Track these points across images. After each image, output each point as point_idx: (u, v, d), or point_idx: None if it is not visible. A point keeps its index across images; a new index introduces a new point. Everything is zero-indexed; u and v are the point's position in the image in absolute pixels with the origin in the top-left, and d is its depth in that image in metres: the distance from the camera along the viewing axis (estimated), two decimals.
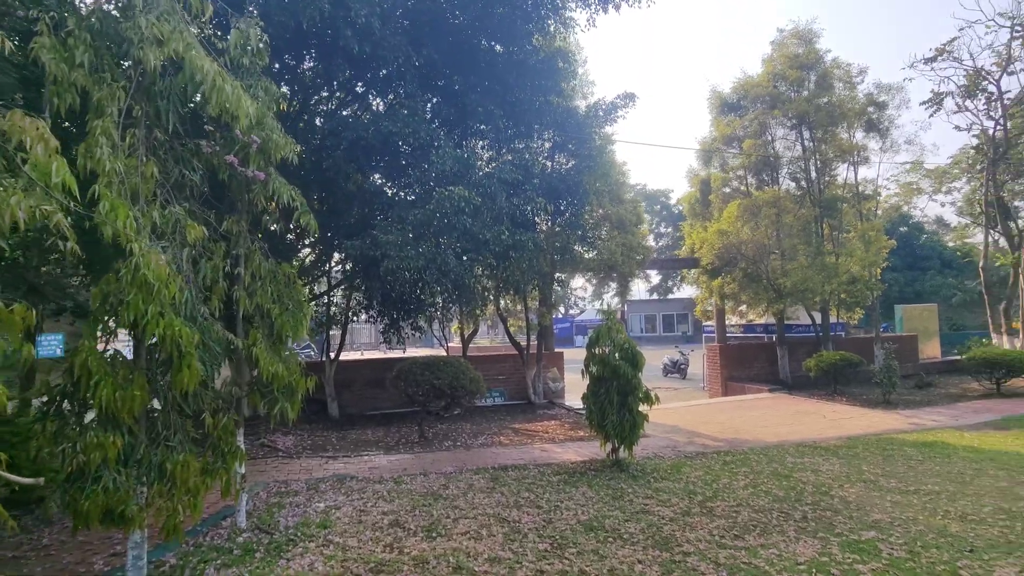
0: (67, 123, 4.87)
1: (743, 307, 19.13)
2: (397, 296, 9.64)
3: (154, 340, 3.69)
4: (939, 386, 15.64)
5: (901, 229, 33.44)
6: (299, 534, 5.36)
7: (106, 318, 3.75)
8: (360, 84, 10.31)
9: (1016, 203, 21.54)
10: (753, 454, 8.68)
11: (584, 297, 51.46)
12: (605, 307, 9.21)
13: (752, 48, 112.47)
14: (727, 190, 18.46)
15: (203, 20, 4.43)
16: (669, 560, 4.73)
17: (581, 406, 12.08)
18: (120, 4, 4.35)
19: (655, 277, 50.32)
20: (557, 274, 14.15)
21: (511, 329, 14.95)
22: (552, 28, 10.28)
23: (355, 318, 12.93)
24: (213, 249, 4.67)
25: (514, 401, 14.33)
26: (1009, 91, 18.33)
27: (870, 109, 17.30)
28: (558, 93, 11.65)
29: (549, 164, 12.69)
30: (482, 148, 11.57)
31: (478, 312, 14.26)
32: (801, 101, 16.44)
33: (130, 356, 4.01)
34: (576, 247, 13.55)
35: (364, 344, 41.58)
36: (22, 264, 6.12)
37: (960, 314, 32.30)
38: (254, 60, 5.42)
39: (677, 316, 52.83)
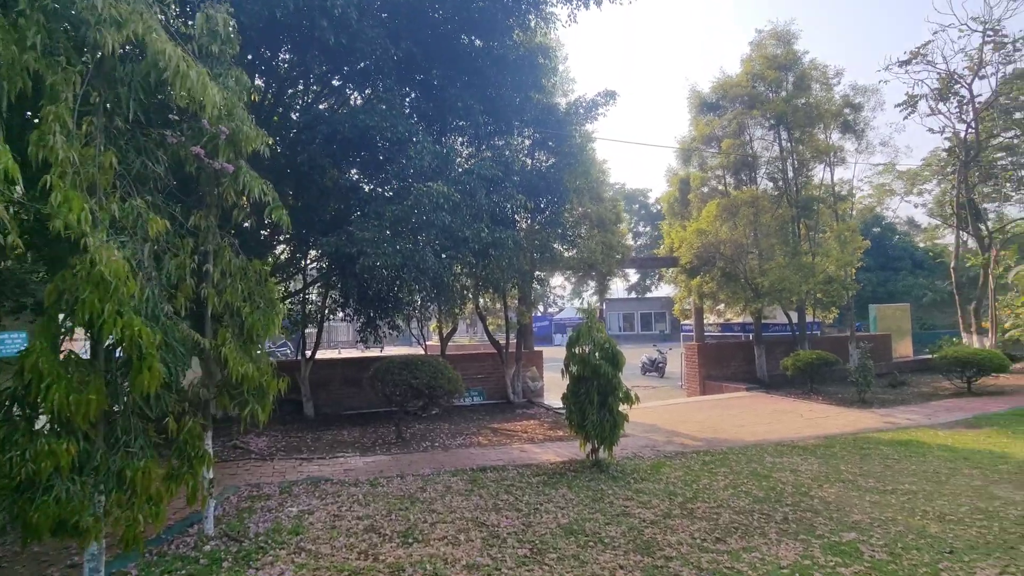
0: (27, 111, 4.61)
1: (721, 306, 19.25)
2: (374, 294, 9.44)
3: (111, 340, 3.48)
4: (912, 385, 15.89)
5: (874, 230, 34.04)
6: (270, 541, 5.16)
7: (61, 317, 3.53)
8: (337, 78, 10.07)
9: (985, 205, 22.04)
10: (732, 454, 8.67)
11: (563, 296, 51.58)
12: (585, 306, 9.12)
13: (732, 48, 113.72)
14: (705, 189, 18.54)
15: (166, 2, 4.20)
16: (651, 565, 4.64)
17: (560, 405, 11.99)
18: None
19: (633, 276, 50.57)
20: (537, 272, 14.04)
21: (490, 328, 14.81)
22: (533, 23, 10.16)
23: (331, 316, 12.68)
24: (179, 245, 4.46)
25: (493, 400, 14.19)
26: (980, 95, 18.73)
27: (846, 111, 17.50)
28: (539, 89, 11.53)
29: (529, 161, 12.57)
30: (461, 144, 11.40)
31: (457, 311, 14.09)
32: (779, 101, 16.55)
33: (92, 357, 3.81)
34: (556, 245, 13.46)
35: (342, 343, 41.05)
36: None
37: (930, 314, 33.00)
38: (223, 48, 5.19)
39: (655, 315, 53.20)
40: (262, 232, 10.33)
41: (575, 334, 7.94)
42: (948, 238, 34.35)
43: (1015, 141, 21.13)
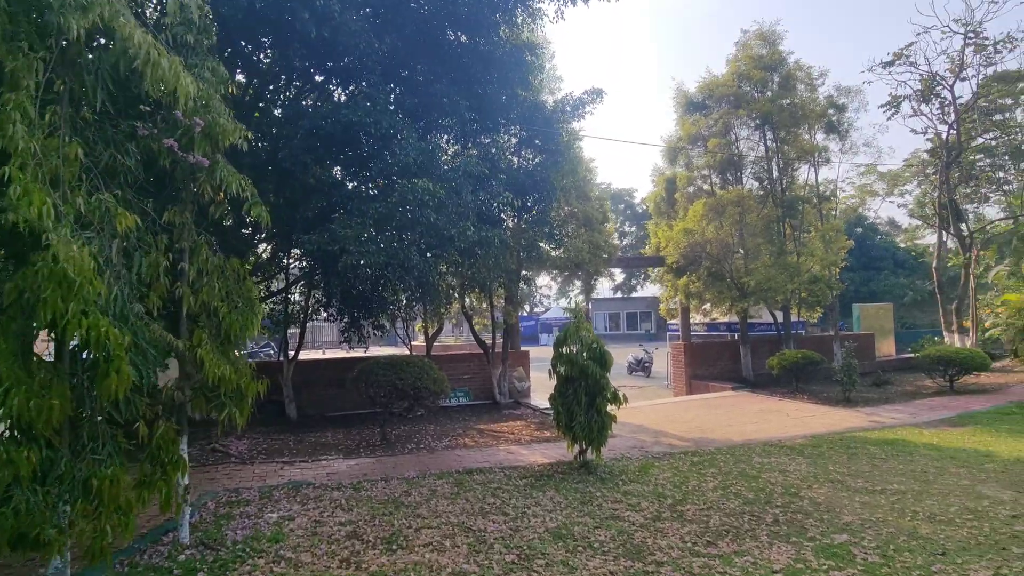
0: None
1: (707, 305, 19.27)
2: (358, 293, 9.25)
3: (77, 342, 3.29)
4: (895, 384, 15.99)
5: (857, 230, 34.43)
6: (248, 549, 4.97)
7: (21, 317, 3.33)
8: (319, 73, 9.85)
9: (965, 206, 22.32)
10: (720, 454, 8.61)
11: (549, 295, 51.55)
12: (573, 305, 9.02)
13: (718, 48, 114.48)
14: (692, 189, 18.54)
15: None
16: (642, 571, 4.53)
17: (547, 406, 11.88)
18: None
19: (619, 275, 50.68)
20: (523, 272, 13.92)
21: (476, 328, 14.65)
22: (520, 19, 10.03)
23: (314, 316, 12.45)
24: (151, 242, 4.26)
25: (479, 401, 14.05)
26: (961, 96, 18.92)
27: (830, 111, 17.60)
28: (526, 87, 11.40)
29: (516, 160, 12.44)
30: (447, 142, 11.23)
31: (442, 310, 13.92)
32: (765, 101, 16.58)
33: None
34: (543, 244, 13.35)
35: (326, 343, 40.62)
36: None
37: (911, 313, 33.44)
38: (199, 38, 5.00)
39: (640, 314, 53.37)
40: (243, 231, 10.10)
41: (563, 334, 7.83)
42: (928, 238, 34.88)
43: (993, 143, 21.46)
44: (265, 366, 13.42)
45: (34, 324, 3.50)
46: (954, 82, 18.19)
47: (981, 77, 18.20)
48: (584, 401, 7.40)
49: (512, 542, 5.12)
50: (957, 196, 19.98)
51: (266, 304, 12.19)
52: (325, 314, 11.90)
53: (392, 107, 9.13)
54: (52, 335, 3.45)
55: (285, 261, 11.66)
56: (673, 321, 24.49)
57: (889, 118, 19.75)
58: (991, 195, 24.54)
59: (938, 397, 13.68)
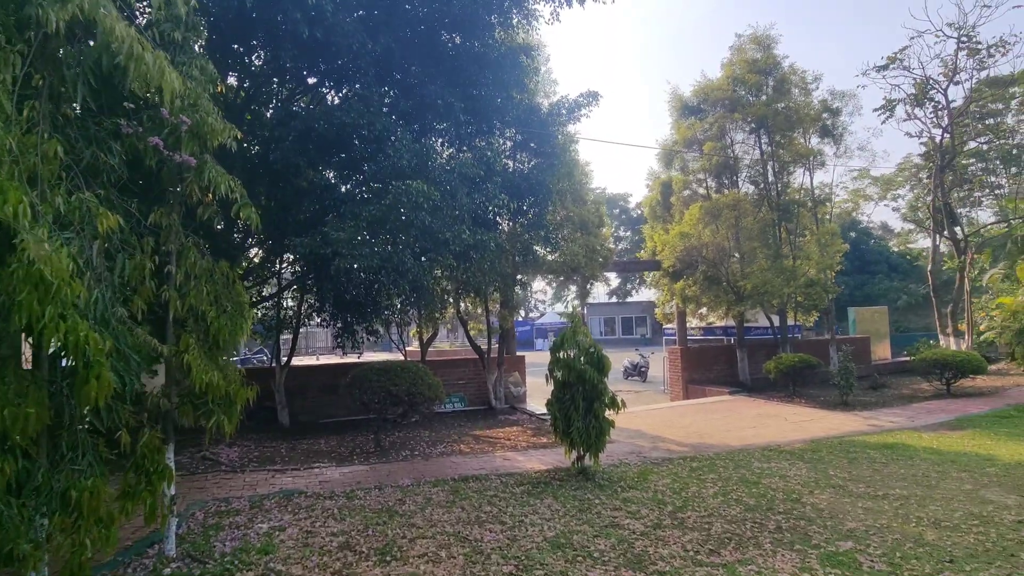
0: None
1: (703, 310, 19.20)
2: (351, 298, 9.10)
3: (54, 348, 3.15)
4: (892, 387, 15.94)
5: (851, 234, 34.45)
6: (236, 562, 4.81)
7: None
8: (312, 76, 9.74)
9: (959, 210, 22.39)
10: (719, 459, 8.50)
11: (544, 300, 51.49)
12: (570, 309, 8.91)
13: (712, 52, 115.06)
14: (687, 193, 18.49)
15: None
16: None
17: (543, 411, 11.74)
18: None
19: (614, 280, 50.71)
20: (519, 276, 13.80)
21: (471, 332, 14.52)
22: (515, 21, 9.93)
23: (308, 322, 12.29)
24: (136, 244, 4.12)
25: (475, 407, 13.90)
26: (955, 100, 18.97)
27: (825, 115, 17.61)
28: (521, 89, 11.31)
29: (511, 163, 12.33)
30: (442, 146, 11.12)
31: (437, 315, 13.78)
32: (760, 105, 16.56)
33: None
34: (538, 248, 13.23)
35: (320, 348, 40.39)
36: None
37: (905, 316, 33.48)
38: (187, 35, 4.88)
39: (636, 319, 53.34)
40: (235, 235, 9.94)
41: (559, 338, 7.71)
42: (921, 242, 35.01)
43: (984, 147, 21.55)
44: (258, 372, 13.25)
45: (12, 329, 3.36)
46: (948, 86, 18.25)
47: (974, 81, 18.25)
48: (582, 406, 7.28)
49: (510, 552, 4.98)
50: (951, 200, 20.01)
51: (258, 309, 12.03)
52: (318, 319, 11.73)
53: (386, 109, 9.02)
54: (28, 340, 3.30)
55: (278, 265, 11.50)
56: (669, 325, 24.40)
57: (883, 122, 19.81)
58: (984, 199, 24.66)
59: (935, 400, 13.62)
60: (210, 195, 4.96)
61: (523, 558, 4.85)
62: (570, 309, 10.36)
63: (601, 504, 6.34)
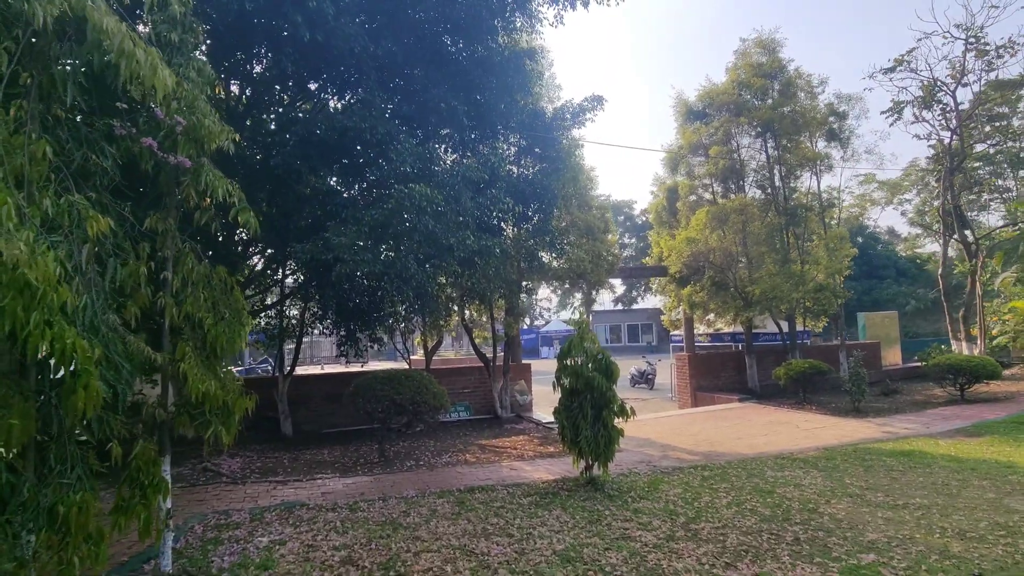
0: None
1: (711, 316, 18.99)
2: (354, 305, 8.96)
3: (41, 355, 3.01)
4: (904, 393, 15.68)
5: (858, 239, 34.22)
6: None
7: None
8: (314, 80, 9.65)
9: (969, 213, 22.15)
10: (731, 468, 8.29)
11: (549, 308, 51.33)
12: (576, 316, 8.74)
13: (717, 56, 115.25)
14: (693, 198, 18.35)
15: None
16: None
17: (550, 420, 11.56)
18: None
19: (619, 287, 50.49)
20: (524, 282, 13.65)
21: (476, 340, 14.36)
22: (519, 24, 9.84)
23: (311, 330, 12.15)
24: (129, 248, 3.99)
25: (480, 416, 13.71)
26: (963, 102, 18.79)
27: (831, 119, 17.47)
28: (525, 94, 11.20)
29: (515, 169, 12.20)
30: (445, 151, 11.02)
31: (442, 323, 13.64)
32: (765, 109, 16.43)
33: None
34: (543, 254, 13.09)
35: (324, 358, 40.26)
36: None
37: (914, 322, 33.14)
38: (184, 36, 4.77)
39: (642, 326, 53.07)
40: (236, 242, 9.84)
41: (567, 345, 7.54)
42: (929, 247, 34.73)
43: (991, 151, 21.34)
44: (260, 381, 13.12)
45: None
46: (956, 88, 18.09)
47: (983, 82, 18.07)
48: (590, 414, 7.10)
49: (518, 567, 4.80)
50: (961, 203, 19.78)
51: (261, 318, 11.91)
52: (321, 327, 11.59)
53: (388, 114, 8.91)
54: (13, 348, 3.16)
55: (280, 273, 11.39)
56: (676, 332, 24.18)
57: (891, 124, 19.63)
58: (992, 202, 24.43)
59: (950, 406, 13.36)
60: (207, 199, 4.84)
61: (532, 572, 4.67)
62: (577, 316, 10.15)
63: (611, 515, 6.15)
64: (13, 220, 2.89)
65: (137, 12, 5.77)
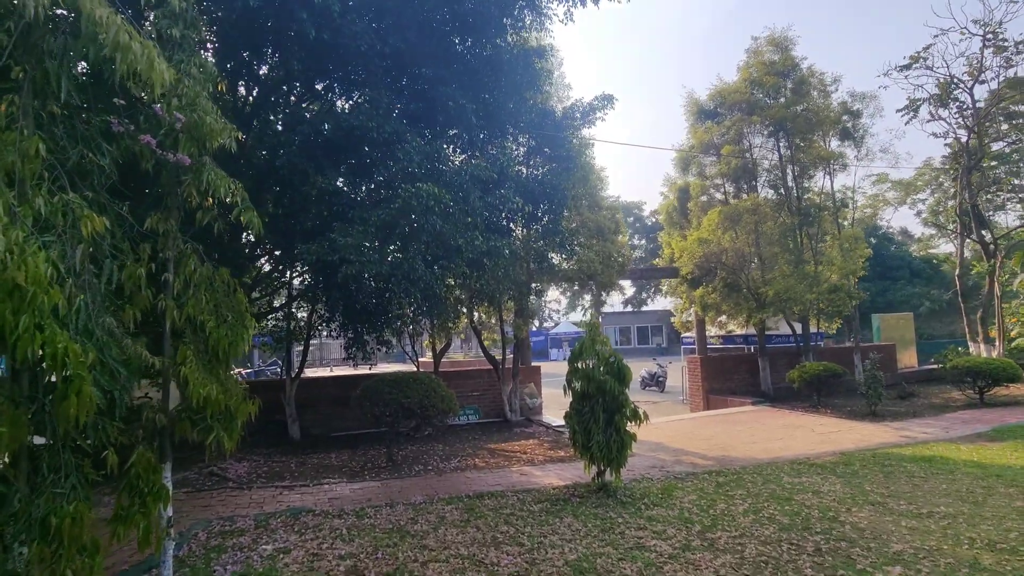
0: None
1: (723, 317, 18.73)
2: (361, 307, 8.82)
3: (32, 360, 2.88)
4: (921, 396, 15.36)
5: (871, 240, 33.75)
6: None
7: None
8: (320, 80, 9.54)
9: (985, 212, 21.73)
10: (747, 473, 8.08)
11: (558, 309, 51.08)
12: (587, 318, 8.58)
13: (725, 55, 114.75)
14: (705, 198, 18.12)
15: None
16: None
17: (560, 423, 11.38)
18: None
19: (629, 289, 50.21)
20: (534, 284, 13.48)
21: (485, 343, 14.21)
22: (528, 22, 9.68)
23: (319, 332, 12.05)
24: (127, 249, 3.87)
25: (489, 419, 13.56)
26: (980, 100, 18.43)
27: (845, 117, 17.18)
28: (535, 92, 11.04)
29: (524, 170, 12.05)
30: (454, 152, 10.89)
31: (450, 325, 13.49)
32: (778, 108, 16.18)
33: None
34: (553, 255, 12.92)
35: (334, 360, 40.26)
36: None
37: (928, 323, 32.62)
38: (186, 32, 4.65)
39: (652, 328, 52.75)
40: (244, 246, 9.75)
41: (577, 348, 7.38)
42: (943, 247, 34.23)
43: (1007, 150, 20.94)
44: (268, 385, 13.04)
45: None
46: (973, 85, 17.74)
47: (1001, 79, 17.70)
48: (602, 419, 6.93)
49: None
50: (979, 202, 19.41)
51: (268, 320, 11.82)
52: (328, 330, 11.49)
53: (396, 113, 8.79)
54: (3, 353, 3.04)
55: (288, 275, 11.30)
56: (688, 334, 23.91)
57: (907, 122, 19.31)
58: (1008, 202, 24.00)
59: (969, 410, 13.05)
60: (210, 199, 4.72)
61: None
62: (587, 318, 9.93)
63: (624, 523, 5.97)
64: (3, 219, 2.77)
65: (142, 10, 5.67)
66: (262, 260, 11.01)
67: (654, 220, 45.12)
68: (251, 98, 9.64)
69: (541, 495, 7.16)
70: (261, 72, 9.39)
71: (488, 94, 9.77)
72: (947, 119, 18.59)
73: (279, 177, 7.90)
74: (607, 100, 11.84)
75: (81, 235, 3.25)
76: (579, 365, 7.30)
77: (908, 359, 21.29)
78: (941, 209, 28.48)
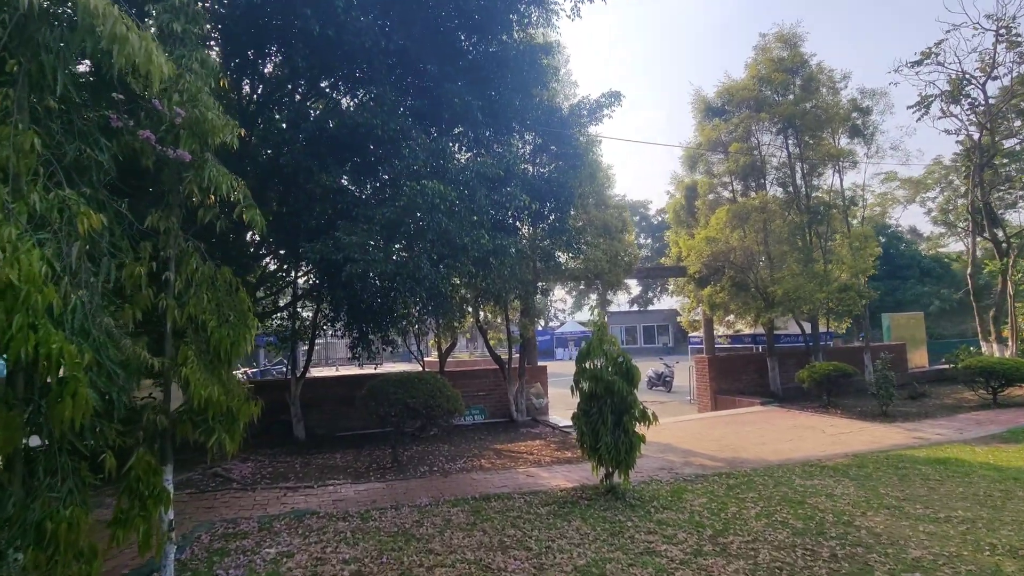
0: None
1: (731, 317, 18.55)
2: (366, 306, 8.74)
3: (26, 360, 2.79)
4: (933, 396, 15.15)
5: (880, 238, 33.44)
6: None
7: None
8: (325, 78, 9.46)
9: (997, 210, 21.44)
10: (757, 476, 7.95)
11: (564, 309, 50.93)
12: (595, 317, 8.47)
13: (734, 53, 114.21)
14: (712, 196, 17.94)
15: None
16: None
17: (566, 423, 11.27)
18: None
19: (635, 288, 50.01)
20: (540, 283, 13.37)
21: (491, 342, 14.10)
22: (535, 18, 9.57)
23: (325, 332, 11.97)
24: (126, 247, 3.79)
25: (495, 419, 13.46)
26: (993, 97, 18.17)
27: (854, 114, 16.96)
28: (542, 89, 10.92)
29: (530, 168, 11.93)
30: (459, 150, 10.78)
31: (456, 324, 13.39)
32: (787, 105, 16.00)
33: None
34: (560, 254, 12.80)
35: (339, 359, 40.27)
36: None
37: (938, 323, 32.30)
38: (188, 27, 4.58)
39: (658, 327, 52.56)
40: (248, 245, 9.68)
41: (585, 348, 7.26)
42: (953, 246, 33.87)
43: (1019, 147, 20.65)
44: (274, 384, 12.98)
45: None
46: (985, 81, 17.49)
47: (1014, 75, 17.44)
48: (610, 420, 6.81)
49: None
50: (991, 199, 19.14)
51: (273, 320, 11.75)
52: (333, 329, 11.41)
53: (401, 110, 8.69)
54: None
55: (293, 274, 11.22)
56: (695, 334, 23.75)
57: (918, 119, 19.07)
58: (1021, 199, 23.68)
59: (982, 411, 12.85)
60: (211, 197, 4.63)
61: None
62: (595, 317, 9.84)
63: (634, 527, 5.85)
64: None
65: (143, 5, 5.60)
66: (267, 259, 10.95)
67: (660, 219, 44.97)
68: (255, 96, 9.58)
69: (548, 497, 7.05)
70: (265, 70, 9.32)
71: (494, 91, 9.66)
72: (959, 116, 18.35)
73: (283, 175, 7.83)
74: (614, 97, 11.69)
75: (77, 232, 3.16)
76: (587, 365, 7.18)
77: (919, 359, 21.05)
78: (951, 207, 28.18)
